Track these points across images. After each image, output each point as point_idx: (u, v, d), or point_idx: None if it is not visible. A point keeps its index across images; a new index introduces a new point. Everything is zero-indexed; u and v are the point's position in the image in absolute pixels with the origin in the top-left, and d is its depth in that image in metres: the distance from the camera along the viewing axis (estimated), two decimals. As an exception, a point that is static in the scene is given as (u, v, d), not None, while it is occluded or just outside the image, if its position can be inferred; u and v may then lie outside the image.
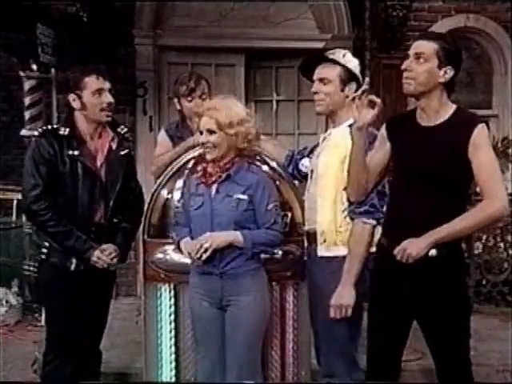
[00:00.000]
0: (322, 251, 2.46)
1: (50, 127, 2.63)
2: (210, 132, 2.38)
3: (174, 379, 2.70)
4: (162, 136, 3.26)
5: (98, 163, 2.58)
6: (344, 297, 2.36)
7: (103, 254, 2.52)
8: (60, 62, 4.24)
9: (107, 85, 2.56)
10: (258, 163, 2.64)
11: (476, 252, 4.40)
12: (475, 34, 5.11)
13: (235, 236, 2.36)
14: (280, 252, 2.52)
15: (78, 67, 2.65)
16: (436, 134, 2.17)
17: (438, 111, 2.19)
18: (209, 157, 2.42)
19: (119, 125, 2.70)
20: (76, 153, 2.52)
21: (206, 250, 2.33)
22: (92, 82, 2.53)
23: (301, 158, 2.69)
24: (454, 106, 2.22)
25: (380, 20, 4.58)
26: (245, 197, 2.37)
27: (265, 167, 2.66)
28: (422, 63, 2.16)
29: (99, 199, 2.56)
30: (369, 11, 4.66)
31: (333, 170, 2.43)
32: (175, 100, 3.21)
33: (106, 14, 4.43)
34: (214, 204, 2.39)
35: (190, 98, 3.11)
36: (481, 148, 2.12)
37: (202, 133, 2.42)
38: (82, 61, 3.97)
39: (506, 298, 4.39)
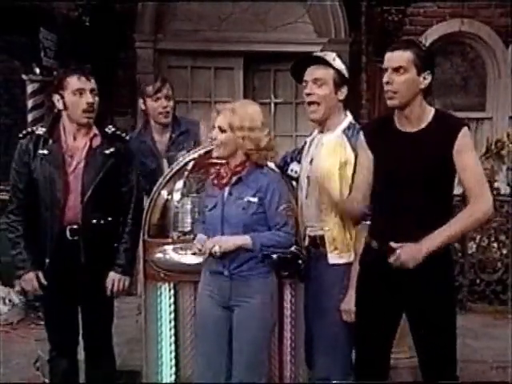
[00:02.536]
0: (333, 259, 2.45)
1: (30, 129, 2.62)
2: (221, 130, 2.38)
3: (173, 377, 2.73)
4: None
5: (75, 162, 2.55)
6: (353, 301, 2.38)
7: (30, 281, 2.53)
8: (62, 65, 4.29)
9: (89, 85, 2.52)
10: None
11: (470, 252, 4.42)
12: (469, 38, 5.17)
13: (244, 240, 2.35)
14: (275, 256, 2.44)
15: (64, 68, 2.67)
16: (420, 140, 2.19)
17: (420, 117, 2.22)
18: (215, 154, 2.43)
19: (107, 125, 2.67)
20: (46, 152, 2.52)
21: (215, 253, 2.34)
22: (73, 82, 2.50)
23: (290, 162, 2.68)
24: (433, 109, 2.25)
25: (376, 24, 4.62)
26: (255, 199, 2.36)
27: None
28: (401, 74, 2.18)
29: (73, 198, 2.53)
30: (365, 16, 4.71)
31: (335, 176, 2.41)
32: (140, 100, 3.25)
33: (108, 18, 4.49)
34: (225, 206, 2.39)
35: (155, 98, 3.16)
36: (465, 152, 2.16)
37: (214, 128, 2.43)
38: (83, 64, 4.05)
39: (499, 296, 4.39)
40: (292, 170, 2.64)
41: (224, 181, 2.41)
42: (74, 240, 2.53)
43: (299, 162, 2.64)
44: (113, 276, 2.58)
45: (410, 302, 2.25)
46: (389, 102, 2.23)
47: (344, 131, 2.45)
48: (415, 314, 2.27)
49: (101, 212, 2.55)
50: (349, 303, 2.40)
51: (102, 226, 2.56)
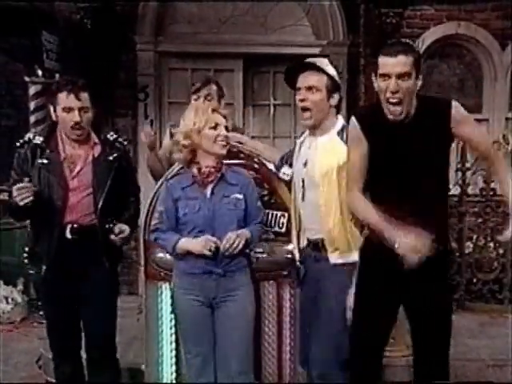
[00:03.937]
0: (335, 259, 2.45)
1: (27, 138, 2.62)
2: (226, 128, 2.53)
3: (174, 375, 2.77)
4: (166, 134, 3.50)
5: (76, 170, 2.56)
6: None
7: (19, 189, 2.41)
8: (64, 67, 4.34)
9: (78, 104, 2.50)
10: (256, 165, 2.72)
11: (467, 251, 4.46)
12: (466, 40, 5.19)
13: (247, 234, 2.44)
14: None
15: (60, 79, 2.64)
16: (416, 126, 2.14)
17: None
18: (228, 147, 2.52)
19: (108, 131, 2.72)
20: (45, 161, 2.53)
21: (235, 248, 2.38)
22: (62, 99, 2.51)
23: (282, 165, 2.68)
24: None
25: (374, 27, 4.65)
26: (241, 196, 2.46)
27: (258, 169, 2.74)
28: (406, 80, 2.11)
29: (76, 201, 2.55)
30: (363, 18, 4.75)
31: (333, 178, 2.42)
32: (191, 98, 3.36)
33: (109, 21, 4.53)
34: (213, 205, 2.43)
35: (195, 97, 3.27)
36: (467, 121, 2.15)
37: None
38: (84, 66, 4.10)
39: (495, 295, 4.44)
40: (284, 174, 2.65)
41: (210, 178, 2.45)
42: (77, 241, 2.55)
43: (290, 165, 2.64)
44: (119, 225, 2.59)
45: (407, 296, 2.26)
46: (394, 111, 2.13)
47: (338, 134, 2.48)
48: (412, 309, 2.30)
49: (110, 217, 2.58)
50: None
51: (111, 230, 2.59)
